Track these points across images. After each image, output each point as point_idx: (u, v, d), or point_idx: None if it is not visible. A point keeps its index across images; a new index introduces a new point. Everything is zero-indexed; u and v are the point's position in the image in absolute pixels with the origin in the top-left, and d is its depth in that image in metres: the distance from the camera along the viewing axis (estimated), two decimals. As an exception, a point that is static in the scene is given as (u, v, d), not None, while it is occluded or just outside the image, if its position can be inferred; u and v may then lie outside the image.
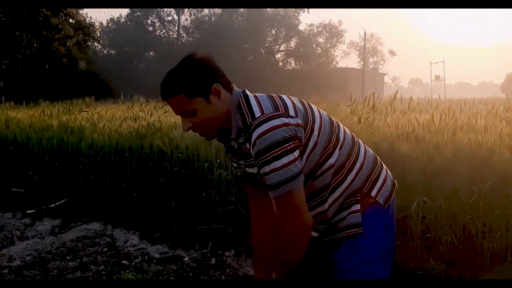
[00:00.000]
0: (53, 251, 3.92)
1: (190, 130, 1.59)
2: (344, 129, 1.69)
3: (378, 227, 1.65)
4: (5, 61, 13.48)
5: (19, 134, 7.05)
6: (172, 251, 3.85)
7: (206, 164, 4.58)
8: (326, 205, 1.64)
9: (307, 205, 1.55)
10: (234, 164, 1.77)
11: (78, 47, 17.79)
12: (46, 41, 14.61)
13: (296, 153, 1.46)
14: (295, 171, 1.45)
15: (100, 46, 36.48)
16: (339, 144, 1.62)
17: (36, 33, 13.55)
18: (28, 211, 5.13)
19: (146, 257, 3.77)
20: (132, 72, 36.68)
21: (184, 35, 42.49)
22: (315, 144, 1.55)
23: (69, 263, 3.67)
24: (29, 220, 4.84)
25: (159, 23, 42.75)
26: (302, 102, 1.62)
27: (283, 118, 1.46)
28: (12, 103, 10.02)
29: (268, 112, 1.47)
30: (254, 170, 1.61)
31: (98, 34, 20.89)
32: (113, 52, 41.46)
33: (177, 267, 3.52)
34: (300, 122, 1.50)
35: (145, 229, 4.28)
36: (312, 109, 1.62)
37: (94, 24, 20.30)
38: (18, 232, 4.44)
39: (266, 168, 1.45)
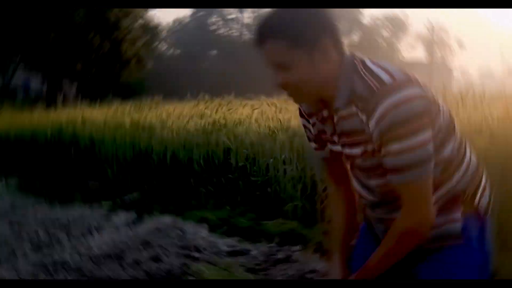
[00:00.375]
0: (129, 242, 4.14)
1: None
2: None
3: (476, 239, 1.37)
4: (79, 63, 14.29)
5: (95, 132, 7.49)
6: (240, 244, 3.94)
7: (271, 160, 4.63)
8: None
9: None
10: (314, 145, 1.47)
11: (146, 48, 18.52)
12: (117, 42, 15.35)
13: (431, 132, 1.19)
14: (430, 153, 1.19)
15: (166, 46, 37.86)
16: (455, 135, 1.33)
17: (107, 35, 14.27)
18: (104, 203, 5.45)
19: (216, 249, 3.88)
20: (197, 70, 37.74)
21: (246, 32, 42.94)
22: (439, 128, 1.25)
23: (144, 254, 3.86)
24: (105, 212, 5.13)
25: (222, 22, 43.52)
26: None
27: (418, 88, 1.19)
28: (87, 102, 10.62)
29: (401, 79, 1.19)
30: (356, 151, 1.28)
31: (165, 34, 21.66)
32: (178, 51, 42.87)
33: (246, 260, 3.60)
34: (429, 94, 1.23)
35: (213, 222, 4.41)
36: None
37: (161, 24, 21.04)
38: (96, 223, 4.73)
39: (396, 147, 1.16)
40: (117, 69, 17.11)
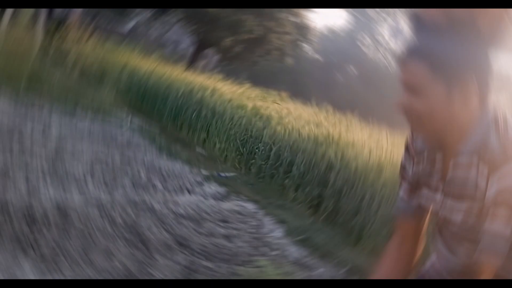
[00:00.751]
0: (210, 214, 4.38)
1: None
2: None
3: None
4: (228, 40, 15.11)
5: (218, 105, 7.94)
6: (309, 258, 3.95)
7: (368, 196, 4.54)
8: None
9: None
10: (405, 186, 1.30)
11: (292, 45, 18.98)
12: (267, 30, 15.96)
13: None
14: None
15: (310, 49, 38.37)
16: None
17: (262, 21, 14.90)
18: (202, 172, 5.80)
19: (284, 253, 3.94)
20: (330, 81, 37.74)
21: (389, 58, 41.79)
22: None
23: (219, 229, 4.05)
24: (201, 180, 5.46)
25: (370, 40, 42.84)
26: None
27: None
28: (222, 76, 11.19)
29: None
30: (461, 205, 1.13)
31: (313, 38, 21.99)
32: (319, 57, 43.19)
33: (307, 276, 3.61)
34: None
35: (292, 227, 4.46)
36: None
37: (313, 28, 21.41)
38: (189, 185, 5.06)
39: (506, 212, 1.01)
40: (259, 56, 17.75)
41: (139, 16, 30.73)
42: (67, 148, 4.88)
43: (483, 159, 1.06)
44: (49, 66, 8.33)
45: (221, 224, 4.20)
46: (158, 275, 2.85)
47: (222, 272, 3.21)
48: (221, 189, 5.33)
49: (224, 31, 14.31)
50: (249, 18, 13.90)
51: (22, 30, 7.87)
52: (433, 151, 1.19)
